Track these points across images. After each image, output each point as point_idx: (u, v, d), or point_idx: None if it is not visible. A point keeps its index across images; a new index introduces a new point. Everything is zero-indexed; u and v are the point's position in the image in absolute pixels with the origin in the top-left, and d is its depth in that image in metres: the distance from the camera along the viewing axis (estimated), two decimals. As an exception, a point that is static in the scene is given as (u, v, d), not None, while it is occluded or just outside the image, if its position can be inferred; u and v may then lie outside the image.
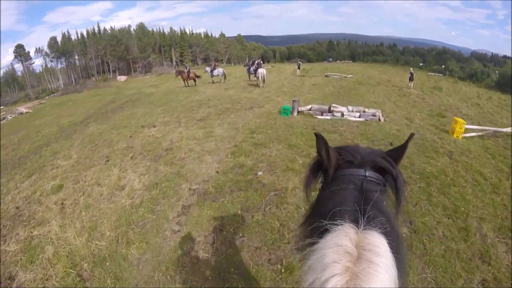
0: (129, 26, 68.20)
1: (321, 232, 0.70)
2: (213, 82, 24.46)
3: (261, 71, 19.15)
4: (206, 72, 25.92)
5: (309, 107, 11.01)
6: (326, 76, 27.24)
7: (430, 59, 68.36)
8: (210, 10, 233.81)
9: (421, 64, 66.01)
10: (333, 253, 0.61)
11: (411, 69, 22.00)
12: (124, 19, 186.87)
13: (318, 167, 0.94)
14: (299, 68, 29.98)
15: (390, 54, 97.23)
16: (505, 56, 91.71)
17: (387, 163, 0.83)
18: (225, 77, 24.40)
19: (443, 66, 55.27)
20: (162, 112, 14.36)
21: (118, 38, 62.73)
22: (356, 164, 0.83)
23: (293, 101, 10.94)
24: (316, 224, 0.73)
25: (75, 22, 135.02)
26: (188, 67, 25.09)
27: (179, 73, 24.66)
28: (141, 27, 67.55)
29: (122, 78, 54.90)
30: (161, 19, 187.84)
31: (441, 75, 43.66)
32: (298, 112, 11.00)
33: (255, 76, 20.61)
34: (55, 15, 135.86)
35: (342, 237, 0.63)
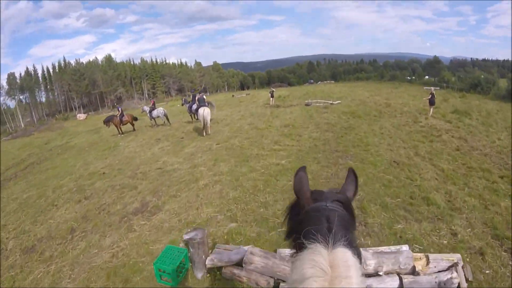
0: (96, 58, 61.31)
1: (300, 247, 0.84)
2: (155, 125, 17.44)
3: (203, 112, 11.87)
4: (144, 111, 18.75)
5: (239, 253, 3.43)
6: (306, 105, 20.19)
7: (420, 72, 62.34)
8: (193, 40, 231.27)
9: (408, 78, 60.04)
10: (310, 267, 0.75)
11: (432, 88, 14.55)
12: (108, 52, 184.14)
13: (295, 206, 1.07)
14: (272, 96, 22.96)
15: (372, 70, 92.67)
16: (484, 60, 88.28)
17: (342, 196, 1.00)
18: (167, 118, 17.22)
19: (435, 78, 48.95)
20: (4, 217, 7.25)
21: (81, 72, 55.50)
22: (320, 200, 0.97)
23: (188, 241, 3.36)
24: (296, 241, 0.90)
25: (60, 55, 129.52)
26: (120, 109, 17.80)
27: (109, 120, 17.40)
28: (108, 59, 60.68)
29: (82, 116, 47.25)
30: (145, 51, 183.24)
31: (439, 88, 37.15)
32: (208, 270, 3.45)
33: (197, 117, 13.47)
34: (40, 49, 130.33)
35: (316, 254, 0.77)
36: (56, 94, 59.97)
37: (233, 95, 41.32)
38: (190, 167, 8.13)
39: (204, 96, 12.57)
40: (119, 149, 13.03)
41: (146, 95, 64.72)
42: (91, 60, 60.97)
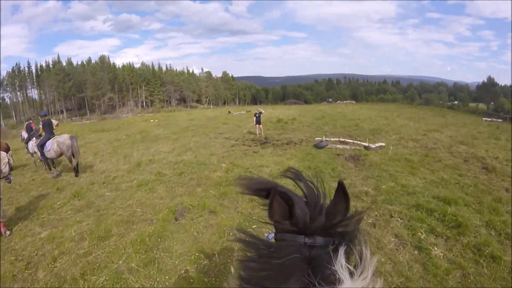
0: (89, 59, 53.21)
1: None
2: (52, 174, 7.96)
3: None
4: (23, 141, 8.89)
5: None
6: (316, 147, 9.81)
7: (464, 96, 50.07)
8: (215, 51, 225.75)
9: (442, 102, 48.27)
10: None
11: None
12: (131, 56, 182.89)
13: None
14: (258, 122, 12.81)
15: (396, 92, 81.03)
16: (512, 86, 74.32)
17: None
18: (77, 164, 7.74)
19: (487, 105, 37.15)
20: None
21: (66, 72, 47.24)
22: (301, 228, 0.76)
23: None
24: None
25: (85, 55, 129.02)
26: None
27: None
28: (102, 59, 52.43)
29: (54, 123, 38.51)
30: (167, 58, 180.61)
31: (501, 120, 26.01)
32: None
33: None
34: (65, 47, 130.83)
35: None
36: (47, 94, 52.10)
37: (229, 112, 31.62)
38: None
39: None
40: None
41: (144, 103, 55.96)
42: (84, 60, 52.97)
